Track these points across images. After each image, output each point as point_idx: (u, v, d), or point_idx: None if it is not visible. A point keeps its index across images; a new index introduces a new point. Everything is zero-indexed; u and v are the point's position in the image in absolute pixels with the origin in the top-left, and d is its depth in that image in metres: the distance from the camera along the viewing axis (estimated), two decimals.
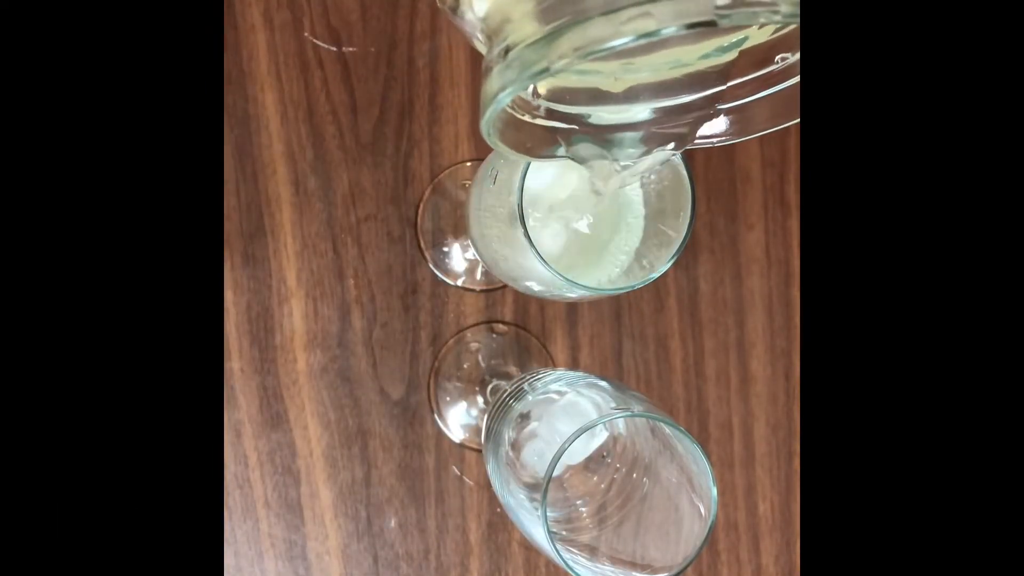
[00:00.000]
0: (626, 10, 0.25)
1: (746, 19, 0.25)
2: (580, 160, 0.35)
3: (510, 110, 0.32)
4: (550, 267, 0.38)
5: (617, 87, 0.33)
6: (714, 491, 0.37)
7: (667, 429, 0.40)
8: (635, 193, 0.42)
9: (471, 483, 0.54)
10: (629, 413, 0.40)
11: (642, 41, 0.25)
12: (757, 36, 0.32)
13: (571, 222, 0.43)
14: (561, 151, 0.35)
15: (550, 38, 0.27)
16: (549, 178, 0.43)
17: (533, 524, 0.38)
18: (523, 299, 0.55)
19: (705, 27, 0.25)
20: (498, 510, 0.54)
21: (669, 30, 0.25)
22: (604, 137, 0.35)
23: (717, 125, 0.35)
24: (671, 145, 0.35)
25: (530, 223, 0.38)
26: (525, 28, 0.28)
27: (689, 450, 0.38)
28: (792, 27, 0.31)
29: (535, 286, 0.42)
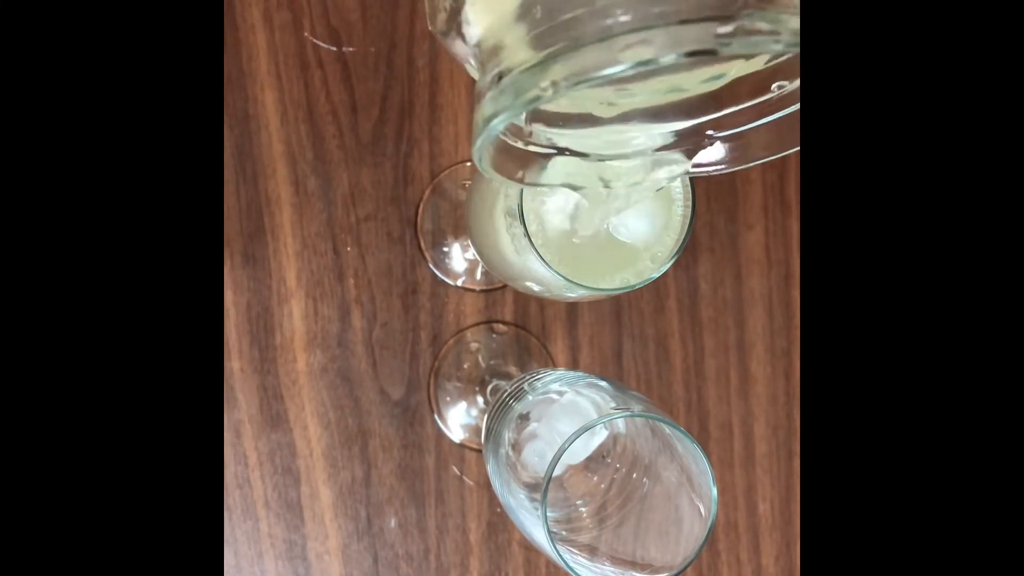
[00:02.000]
0: (622, 37, 0.24)
1: (748, 47, 0.24)
2: (573, 187, 0.35)
3: (502, 136, 0.31)
4: (550, 266, 0.38)
5: (610, 112, 0.32)
6: (714, 491, 0.37)
7: (667, 429, 0.40)
8: (679, 211, 0.41)
9: (471, 483, 0.54)
10: (629, 413, 0.40)
11: (639, 69, 0.24)
12: (756, 62, 0.31)
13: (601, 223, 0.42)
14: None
15: (544, 64, 0.26)
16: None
17: (533, 524, 0.38)
18: (523, 299, 0.55)
19: (705, 56, 0.24)
20: (498, 510, 0.54)
21: (667, 58, 0.24)
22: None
23: (715, 153, 0.35)
24: (665, 172, 0.35)
25: (533, 224, 0.38)
26: (519, 54, 0.27)
27: (689, 450, 0.38)
28: (791, 55, 0.30)
29: (535, 286, 0.42)
